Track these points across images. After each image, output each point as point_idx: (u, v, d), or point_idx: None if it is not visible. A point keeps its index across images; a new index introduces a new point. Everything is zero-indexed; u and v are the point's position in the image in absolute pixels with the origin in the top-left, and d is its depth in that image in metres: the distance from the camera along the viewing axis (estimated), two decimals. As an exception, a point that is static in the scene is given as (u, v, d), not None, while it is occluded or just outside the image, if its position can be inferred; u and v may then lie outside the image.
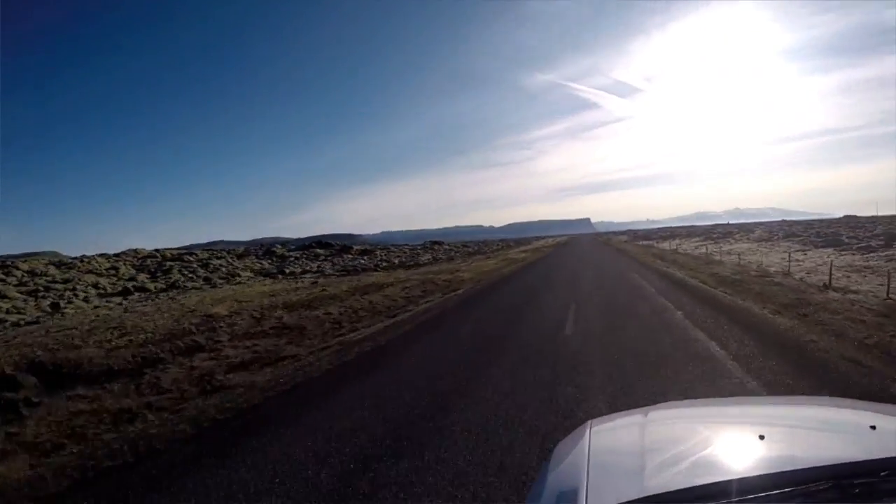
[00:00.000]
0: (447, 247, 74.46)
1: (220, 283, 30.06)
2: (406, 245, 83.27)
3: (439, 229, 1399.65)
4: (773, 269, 18.42)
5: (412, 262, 40.07)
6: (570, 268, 21.86)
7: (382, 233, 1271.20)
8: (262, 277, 34.34)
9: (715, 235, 52.32)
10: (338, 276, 30.28)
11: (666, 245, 44.81)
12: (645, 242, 57.42)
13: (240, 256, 48.11)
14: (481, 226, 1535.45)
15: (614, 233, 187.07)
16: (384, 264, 40.85)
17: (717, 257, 24.85)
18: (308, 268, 39.01)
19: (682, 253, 31.23)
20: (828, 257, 23.08)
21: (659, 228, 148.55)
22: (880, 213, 73.01)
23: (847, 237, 29.37)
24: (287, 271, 36.76)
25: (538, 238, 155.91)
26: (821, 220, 79.27)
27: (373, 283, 18.84)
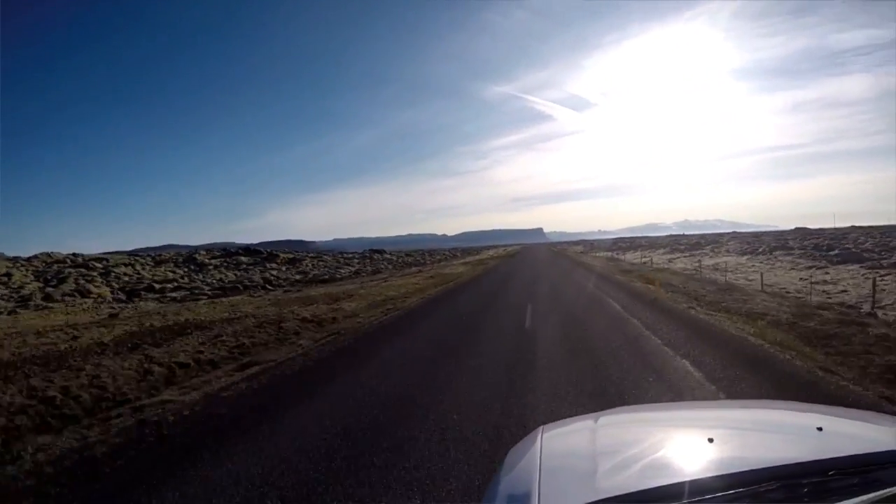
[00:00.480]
0: (388, 255, 67.26)
1: (50, 304, 21.51)
2: (345, 253, 75.21)
3: (393, 237, 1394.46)
4: (837, 301, 11.91)
5: (327, 276, 32.42)
6: (515, 299, 13.58)
7: (335, 240, 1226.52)
8: (123, 295, 26.27)
9: (682, 247, 47.26)
10: (208, 297, 22.29)
11: (633, 257, 38.61)
12: (606, 254, 51.67)
13: (158, 263, 44.12)
14: (435, 234, 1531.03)
15: (568, 243, 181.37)
16: (297, 277, 34.00)
17: (721, 277, 18.24)
18: (206, 281, 32.02)
19: (665, 269, 24.46)
20: (864, 277, 17.17)
21: (613, 239, 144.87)
22: (837, 225, 71.56)
23: (864, 251, 23.88)
24: (158, 287, 28.49)
25: (490, 247, 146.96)
26: (775, 231, 77.57)
27: (175, 325, 10.95)
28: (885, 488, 1.00)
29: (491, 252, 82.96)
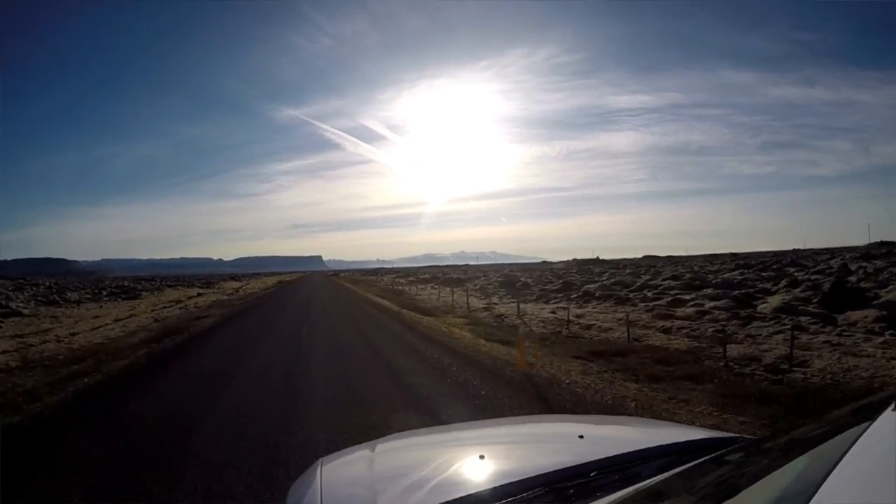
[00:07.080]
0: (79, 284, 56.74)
1: None
2: (67, 281, 65.87)
3: (166, 259, 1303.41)
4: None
5: None
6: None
7: (103, 260, 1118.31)
8: None
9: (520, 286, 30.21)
10: None
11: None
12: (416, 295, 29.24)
13: None
14: (210, 258, 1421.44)
15: (348, 271, 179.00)
16: None
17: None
18: None
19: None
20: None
21: (391, 269, 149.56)
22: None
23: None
24: None
25: (257, 275, 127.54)
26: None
27: None
28: (643, 481, 1.17)
29: (253, 283, 62.10)
